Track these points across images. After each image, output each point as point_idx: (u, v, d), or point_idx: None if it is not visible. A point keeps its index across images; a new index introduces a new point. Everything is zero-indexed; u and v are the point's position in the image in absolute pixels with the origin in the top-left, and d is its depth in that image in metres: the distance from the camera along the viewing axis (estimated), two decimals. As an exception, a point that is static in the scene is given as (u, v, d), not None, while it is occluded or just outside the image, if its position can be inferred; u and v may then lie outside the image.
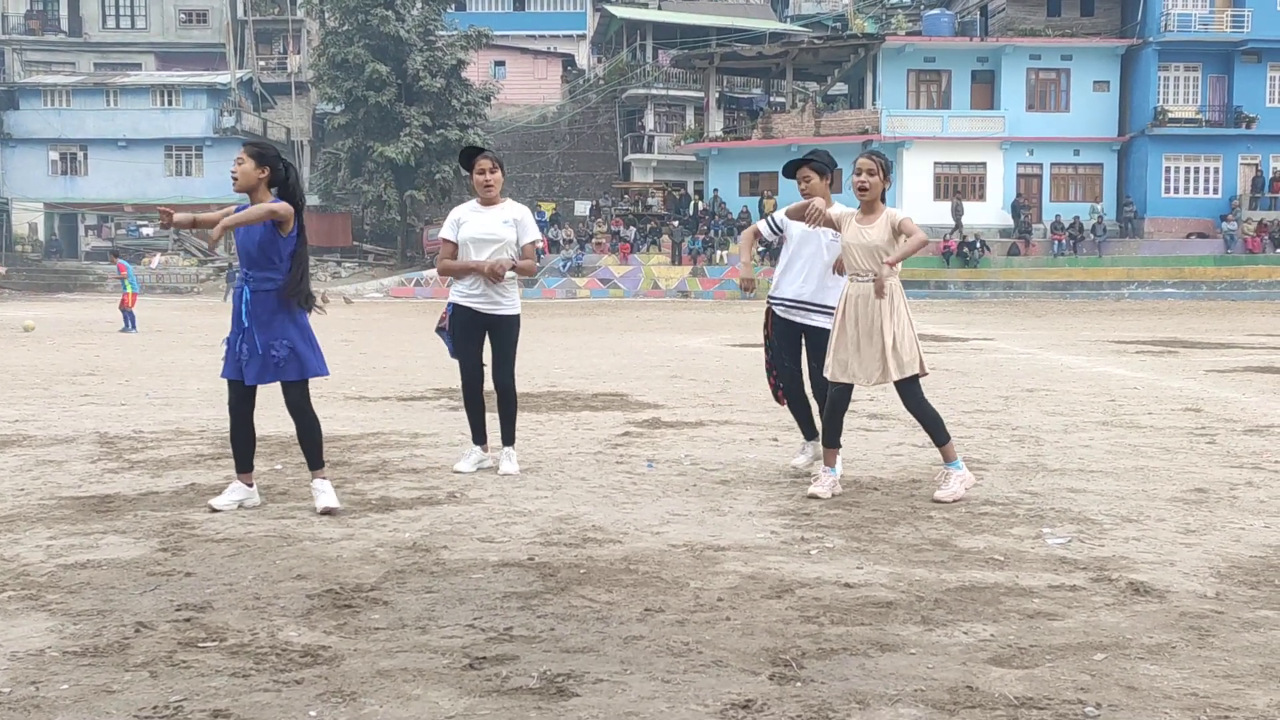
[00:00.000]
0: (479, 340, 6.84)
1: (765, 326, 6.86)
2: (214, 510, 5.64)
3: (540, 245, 6.95)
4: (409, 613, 4.01)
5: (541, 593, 4.26)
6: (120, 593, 4.27)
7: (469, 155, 6.80)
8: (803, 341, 6.73)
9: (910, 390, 6.02)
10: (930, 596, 4.21)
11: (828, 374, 6.12)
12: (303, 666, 3.47)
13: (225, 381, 5.83)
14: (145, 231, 54.13)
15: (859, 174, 6.01)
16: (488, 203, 6.77)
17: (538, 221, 49.04)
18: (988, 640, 3.72)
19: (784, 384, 6.80)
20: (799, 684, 3.33)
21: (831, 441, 6.17)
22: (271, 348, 5.58)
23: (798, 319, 6.65)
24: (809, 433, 6.85)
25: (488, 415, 6.97)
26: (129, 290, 23.90)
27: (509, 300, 6.77)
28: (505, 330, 6.79)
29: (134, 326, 23.20)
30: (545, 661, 3.51)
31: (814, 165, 6.50)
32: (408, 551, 4.89)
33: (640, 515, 5.63)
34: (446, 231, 6.82)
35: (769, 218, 6.84)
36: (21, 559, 4.77)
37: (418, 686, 3.30)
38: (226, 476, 6.67)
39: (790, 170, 6.62)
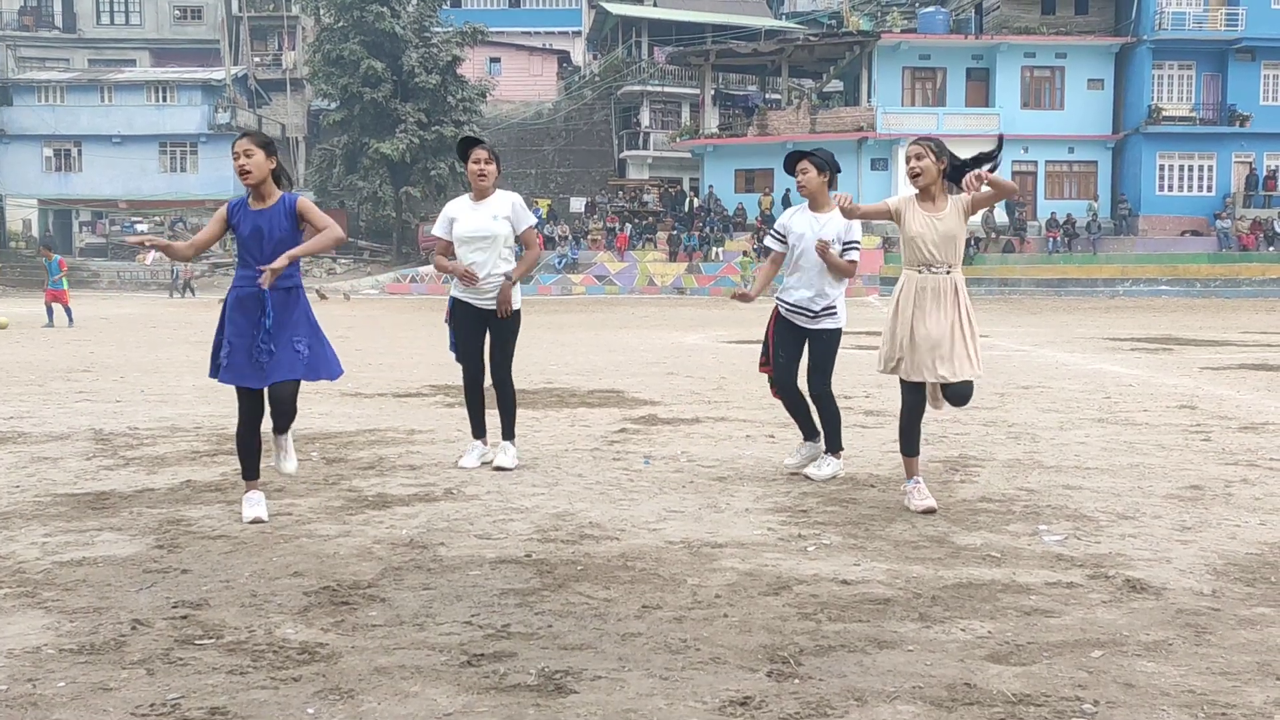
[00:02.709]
0: (479, 335, 6.84)
1: (770, 322, 6.76)
2: (259, 521, 5.35)
3: (534, 224, 6.93)
4: (406, 610, 4.01)
5: (539, 590, 4.26)
6: (116, 590, 4.26)
7: (465, 145, 6.81)
8: (806, 347, 6.65)
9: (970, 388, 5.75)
10: (927, 593, 4.21)
11: (902, 374, 5.71)
12: (300, 664, 3.46)
13: (215, 382, 5.55)
14: (140, 228, 54.04)
15: (908, 161, 5.68)
16: (480, 194, 6.77)
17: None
18: (985, 637, 3.72)
19: (779, 380, 6.69)
20: (797, 681, 3.33)
21: (911, 450, 5.81)
22: (295, 343, 5.35)
23: (802, 323, 6.58)
24: (808, 432, 6.70)
25: (488, 411, 6.99)
26: (64, 286, 24.03)
27: (514, 298, 6.77)
28: (504, 326, 6.79)
29: (53, 322, 23.28)
30: (543, 658, 3.51)
31: (814, 160, 6.47)
32: (405, 548, 4.89)
33: (637, 512, 5.63)
34: (440, 229, 6.83)
35: (772, 231, 6.74)
36: (17, 556, 4.76)
37: (415, 684, 3.30)
38: (227, 473, 6.65)
39: (791, 162, 6.57)
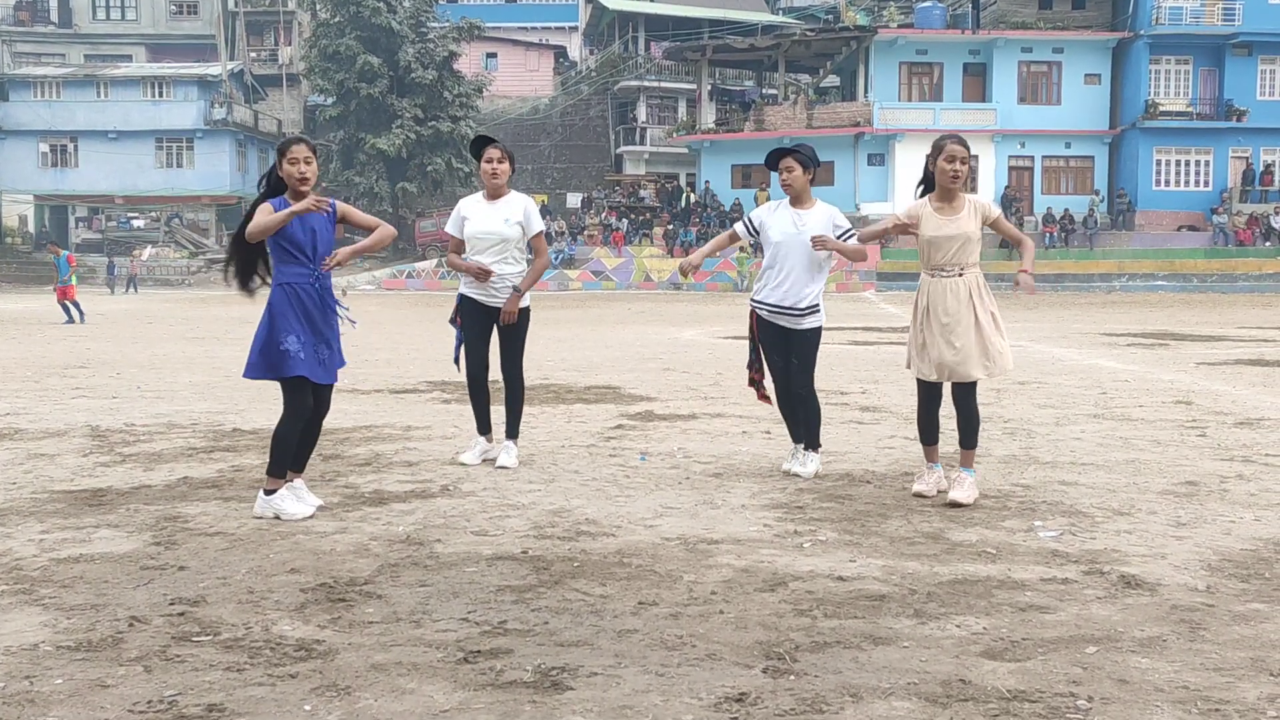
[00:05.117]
0: (487, 331, 6.85)
1: (750, 328, 6.73)
2: (296, 519, 5.33)
3: (543, 231, 6.93)
4: (403, 606, 4.02)
5: (535, 586, 4.27)
6: (113, 587, 4.26)
7: (479, 144, 6.79)
8: (788, 344, 6.61)
9: (974, 390, 5.86)
10: (923, 589, 4.22)
11: (917, 374, 5.90)
12: (297, 661, 3.47)
13: (247, 379, 5.55)
14: (136, 224, 54.00)
15: (953, 161, 5.64)
16: (494, 195, 6.76)
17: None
18: (980, 633, 3.73)
19: (775, 383, 6.66)
20: (792, 677, 3.34)
21: (930, 439, 6.00)
22: (338, 341, 5.66)
23: (783, 323, 6.53)
24: (798, 435, 6.67)
25: (495, 407, 7.00)
26: (74, 281, 24.23)
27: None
28: (517, 322, 6.78)
29: (73, 318, 23.46)
30: (539, 655, 3.51)
31: (798, 157, 6.43)
32: (401, 545, 4.89)
33: (633, 508, 5.64)
34: (452, 227, 6.86)
35: (745, 218, 6.73)
36: (14, 553, 4.76)
37: (412, 680, 3.31)
38: (224, 469, 6.66)
39: (774, 159, 6.54)
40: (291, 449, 5.50)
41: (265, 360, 5.40)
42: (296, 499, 5.46)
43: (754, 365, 6.78)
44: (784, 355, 6.61)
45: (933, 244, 5.74)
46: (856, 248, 6.41)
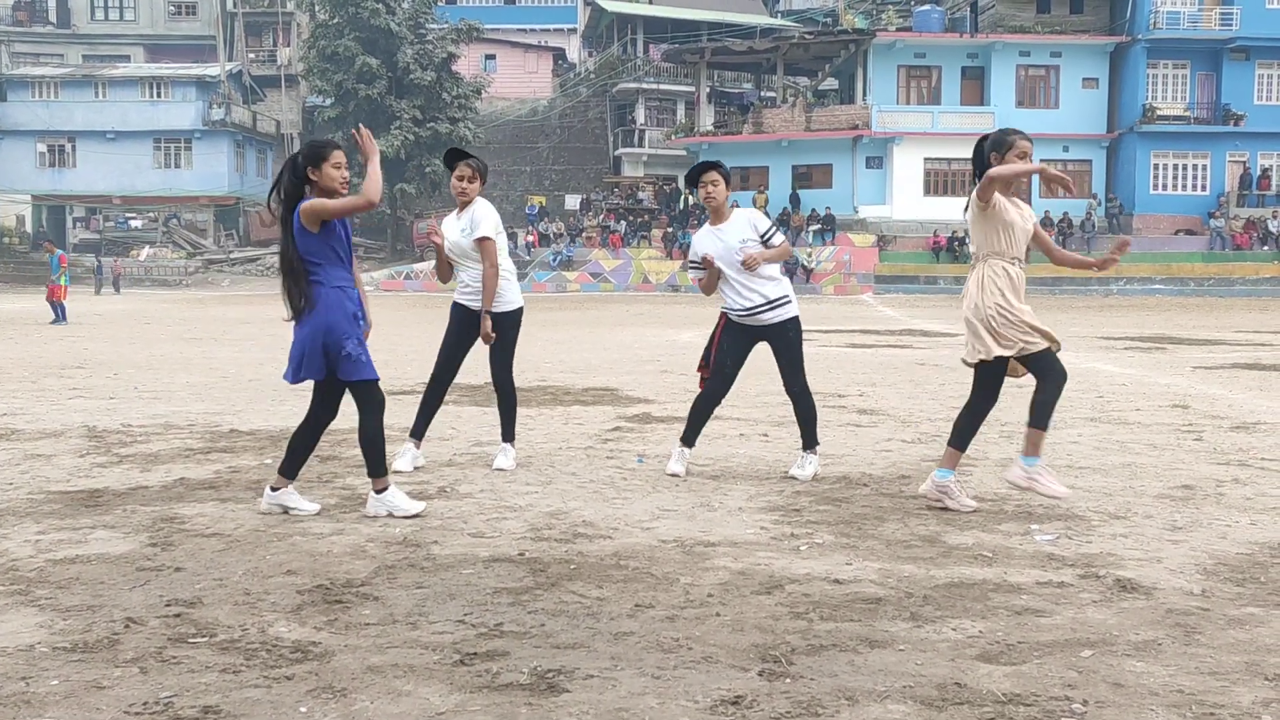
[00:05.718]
0: (467, 341, 6.87)
1: (718, 328, 6.72)
2: (408, 515, 5.44)
3: (486, 236, 6.57)
4: (399, 608, 4.02)
5: (532, 588, 4.27)
6: (109, 588, 4.26)
7: (452, 157, 6.74)
8: (770, 350, 6.63)
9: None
10: (919, 593, 4.23)
11: (1014, 351, 5.60)
12: (293, 662, 3.47)
13: (286, 381, 5.68)
14: (134, 224, 53.98)
15: (1025, 157, 5.58)
16: (461, 208, 6.76)
17: (528, 214, 48.30)
18: (976, 637, 3.74)
19: (715, 389, 6.65)
20: (788, 680, 3.34)
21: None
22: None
23: (759, 321, 6.52)
24: (691, 439, 6.70)
25: (492, 412, 7.00)
26: (64, 282, 24.16)
27: (504, 299, 6.76)
28: (502, 329, 6.79)
29: (64, 318, 23.43)
30: (536, 657, 3.52)
31: (722, 170, 6.50)
32: (398, 546, 4.89)
33: (630, 510, 5.64)
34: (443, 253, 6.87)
35: (690, 265, 6.75)
36: (10, 554, 4.76)
37: (408, 682, 3.31)
38: (220, 470, 6.65)
39: (697, 174, 6.53)
40: (384, 442, 5.56)
41: (322, 361, 5.38)
42: (403, 496, 5.54)
43: (704, 363, 6.76)
44: (738, 360, 6.66)
45: (1022, 234, 5.65)
46: (779, 250, 6.50)
